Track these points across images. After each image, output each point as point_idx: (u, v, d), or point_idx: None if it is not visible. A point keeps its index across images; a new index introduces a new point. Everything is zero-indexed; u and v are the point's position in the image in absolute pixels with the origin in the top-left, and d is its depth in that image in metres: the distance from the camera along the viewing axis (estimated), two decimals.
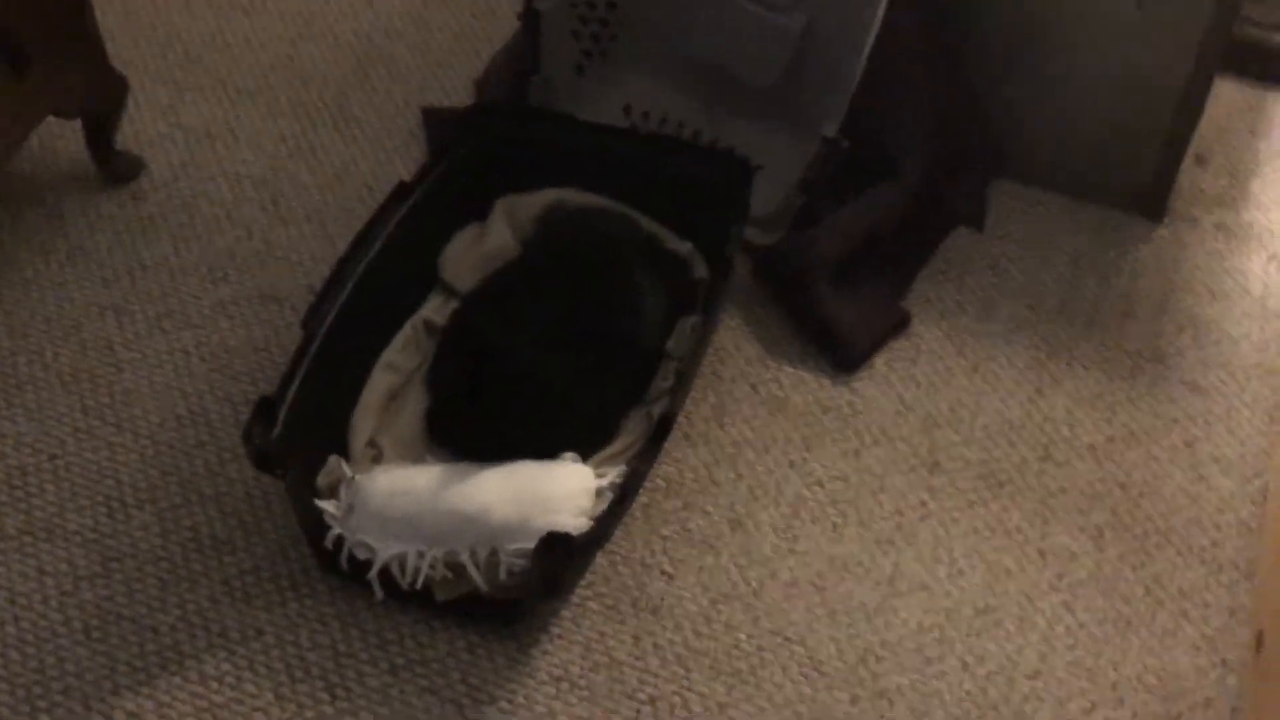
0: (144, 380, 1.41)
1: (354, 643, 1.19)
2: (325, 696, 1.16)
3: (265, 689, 1.16)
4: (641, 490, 1.27)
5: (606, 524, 1.11)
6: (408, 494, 1.18)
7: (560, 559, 1.11)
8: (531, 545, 1.14)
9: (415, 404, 1.36)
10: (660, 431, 1.20)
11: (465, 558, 1.15)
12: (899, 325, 1.49)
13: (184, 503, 1.30)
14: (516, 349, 1.29)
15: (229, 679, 1.16)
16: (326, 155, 1.68)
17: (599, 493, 1.21)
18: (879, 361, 1.46)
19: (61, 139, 1.66)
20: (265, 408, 1.18)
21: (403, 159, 1.67)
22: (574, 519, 1.17)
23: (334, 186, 1.64)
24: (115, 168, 1.63)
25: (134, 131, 1.69)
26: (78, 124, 1.59)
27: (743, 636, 1.21)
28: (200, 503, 1.30)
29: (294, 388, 1.21)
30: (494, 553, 1.15)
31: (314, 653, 1.18)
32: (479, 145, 1.48)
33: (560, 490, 1.18)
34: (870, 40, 1.43)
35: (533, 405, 1.25)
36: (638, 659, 1.19)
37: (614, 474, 1.23)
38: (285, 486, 1.18)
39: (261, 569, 1.24)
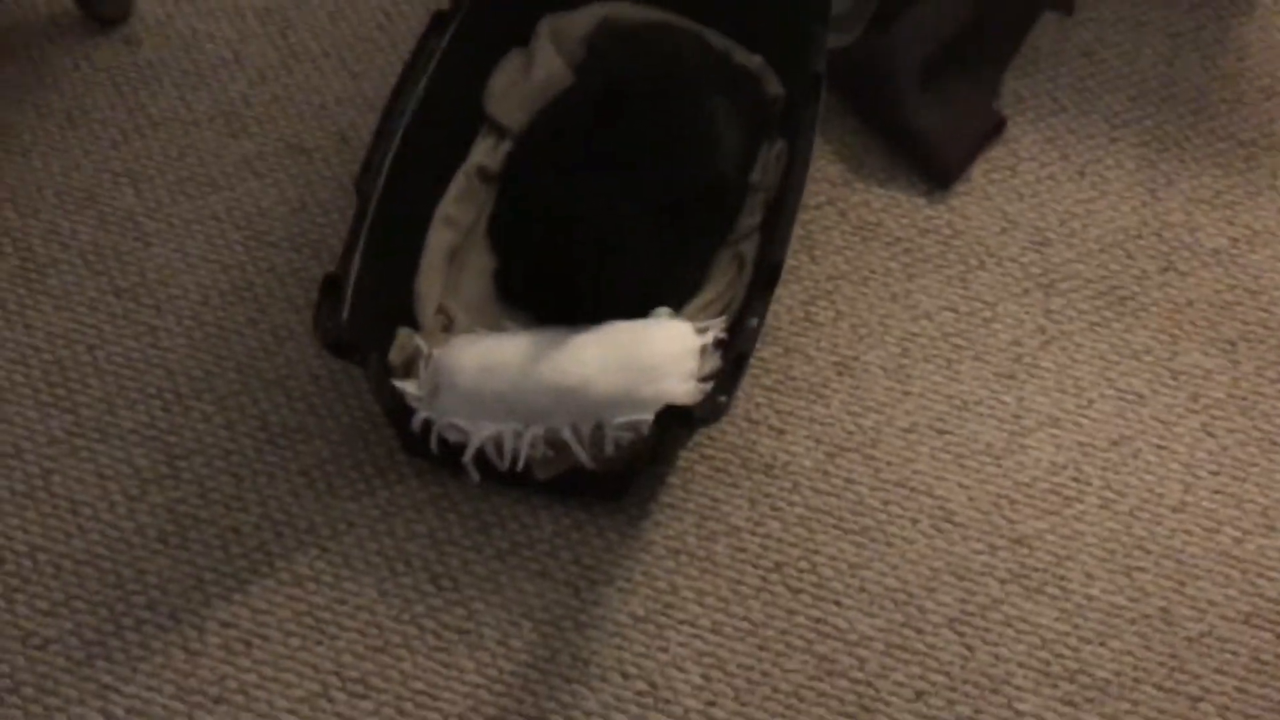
0: (175, 253, 1.28)
1: (453, 529, 1.11)
2: (431, 588, 1.08)
3: (366, 585, 1.08)
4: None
5: (729, 395, 1.01)
6: (497, 369, 1.08)
7: (680, 433, 1.02)
8: (638, 417, 1.04)
9: (479, 262, 1.24)
10: (768, 280, 1.09)
11: (568, 434, 1.06)
12: (994, 131, 1.35)
13: (244, 389, 1.19)
14: (585, 201, 1.15)
15: (326, 577, 1.08)
16: None
17: (703, 350, 1.10)
18: (976, 174, 1.34)
19: None
20: (332, 287, 1.06)
21: None
22: (681, 384, 1.07)
23: (346, 13, 1.47)
24: (101, 9, 1.45)
25: None
26: None
27: (865, 490, 1.13)
28: (263, 388, 1.19)
29: (356, 260, 1.09)
30: (599, 427, 1.06)
31: (412, 543, 1.10)
32: None
33: (663, 354, 1.08)
34: None
35: (612, 262, 1.13)
36: (757, 524, 1.11)
37: (715, 328, 1.12)
38: (365, 374, 1.07)
39: (341, 456, 1.15)
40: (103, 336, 1.23)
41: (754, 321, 1.07)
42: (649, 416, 1.04)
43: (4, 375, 1.20)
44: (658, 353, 1.08)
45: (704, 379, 1.09)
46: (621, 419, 1.05)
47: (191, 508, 1.12)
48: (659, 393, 1.06)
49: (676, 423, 1.01)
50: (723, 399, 1.02)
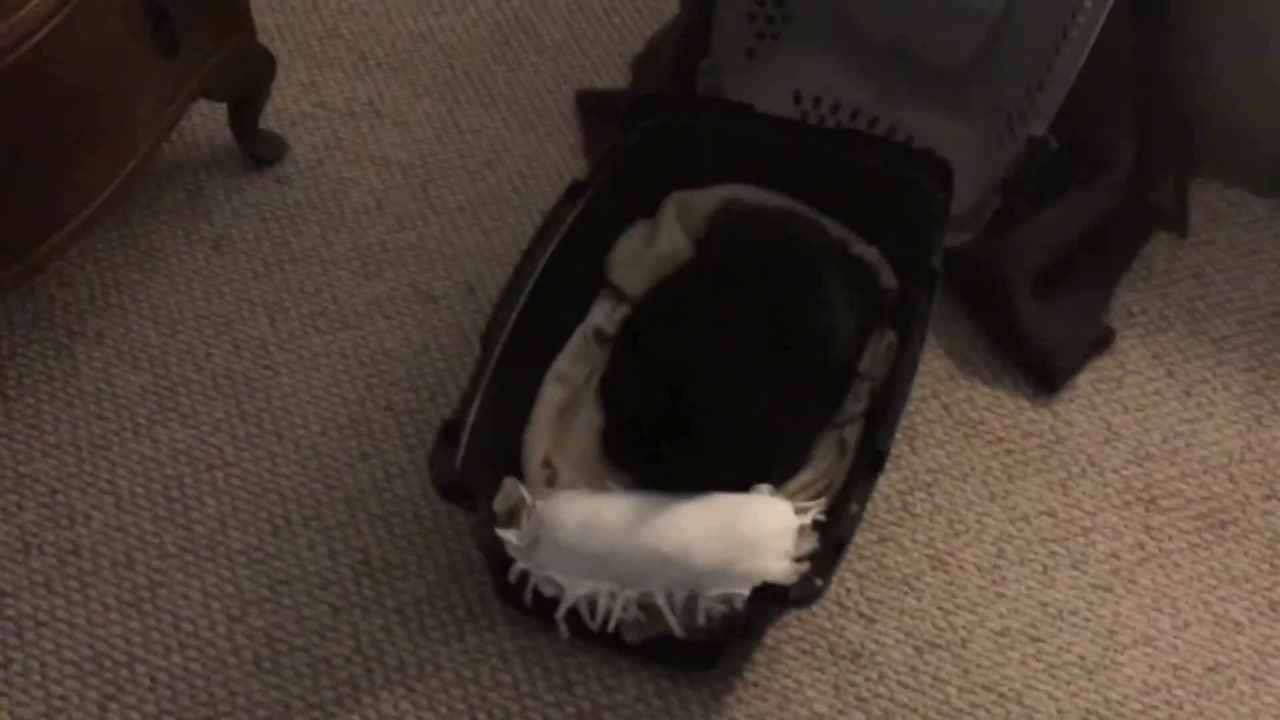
0: (301, 384, 1.34)
1: (537, 683, 1.12)
2: None
3: None
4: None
5: (825, 579, 1.02)
6: (598, 528, 1.10)
7: (772, 610, 1.03)
8: (734, 590, 1.06)
9: (587, 419, 1.27)
10: (872, 467, 1.11)
11: (661, 600, 1.07)
12: (1103, 341, 1.38)
13: (350, 521, 1.23)
14: (702, 366, 1.19)
15: (409, 718, 1.10)
16: (475, 138, 1.59)
17: (800, 531, 1.12)
18: (1082, 381, 1.35)
19: (201, 118, 1.59)
20: (450, 432, 1.11)
21: (555, 144, 1.58)
22: (778, 562, 1.08)
23: (484, 174, 1.55)
24: (259, 150, 1.55)
25: (274, 110, 1.61)
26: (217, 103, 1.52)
27: (953, 691, 1.13)
28: (369, 522, 1.23)
29: (474, 409, 1.14)
30: (693, 596, 1.07)
31: (495, 692, 1.11)
32: (648, 138, 1.38)
33: (763, 529, 1.09)
34: (1093, 33, 1.30)
35: (724, 430, 1.16)
36: (840, 712, 1.11)
37: (814, 510, 1.14)
38: (471, 519, 1.10)
39: (436, 597, 1.17)
40: (224, 457, 1.28)
41: (855, 508, 1.09)
42: (744, 591, 1.05)
43: (126, 485, 1.26)
44: (758, 528, 1.10)
45: (799, 559, 1.10)
46: (717, 591, 1.06)
47: (287, 634, 1.15)
48: (756, 568, 1.07)
49: (772, 601, 1.02)
50: (819, 582, 1.03)
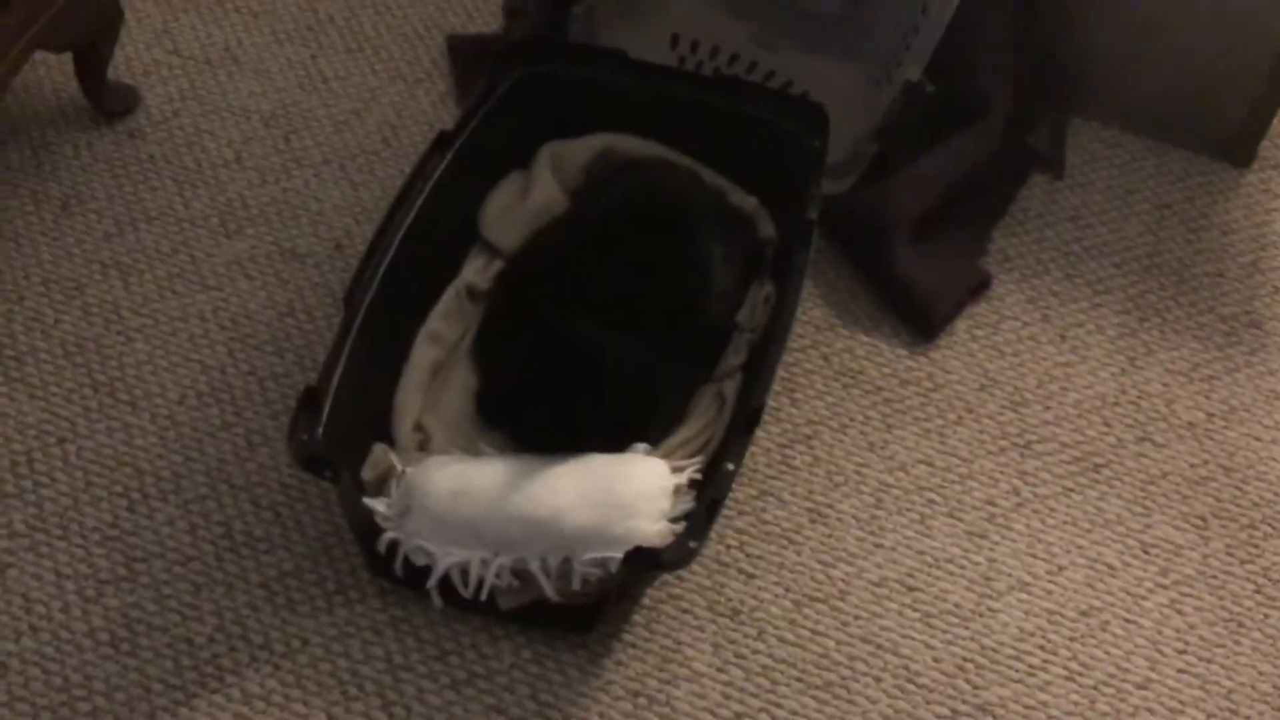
0: (158, 350, 1.28)
1: (411, 654, 1.09)
2: (381, 716, 1.05)
3: (316, 708, 1.06)
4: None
5: (699, 540, 1.00)
6: (469, 494, 1.07)
7: (646, 574, 1.01)
8: (608, 554, 1.03)
9: (462, 380, 1.24)
10: (747, 424, 1.09)
11: (535, 566, 1.05)
12: (980, 287, 1.37)
13: (212, 494, 1.18)
14: (576, 325, 1.16)
15: (276, 697, 1.06)
16: (341, 86, 1.52)
17: (676, 490, 1.10)
18: (959, 328, 1.35)
19: (46, 69, 1.50)
20: (310, 400, 1.06)
21: (426, 92, 1.52)
22: (653, 524, 1.06)
23: (352, 123, 1.49)
24: (108, 102, 1.47)
25: (125, 59, 1.52)
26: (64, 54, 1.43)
27: (831, 644, 1.12)
28: (230, 494, 1.18)
29: (337, 375, 1.09)
30: (567, 561, 1.05)
31: (367, 666, 1.08)
32: (520, 86, 1.34)
33: (637, 492, 1.07)
34: None
35: (597, 390, 1.13)
36: (719, 670, 1.10)
37: (691, 469, 1.12)
38: (337, 491, 1.06)
39: (304, 570, 1.13)
40: (75, 430, 1.22)
41: (730, 466, 1.07)
42: (618, 555, 1.03)
43: None
44: (632, 490, 1.07)
45: (675, 519, 1.08)
46: (590, 555, 1.04)
47: (146, 614, 1.10)
48: (630, 531, 1.05)
49: (644, 565, 1.00)
50: (693, 544, 1.02)
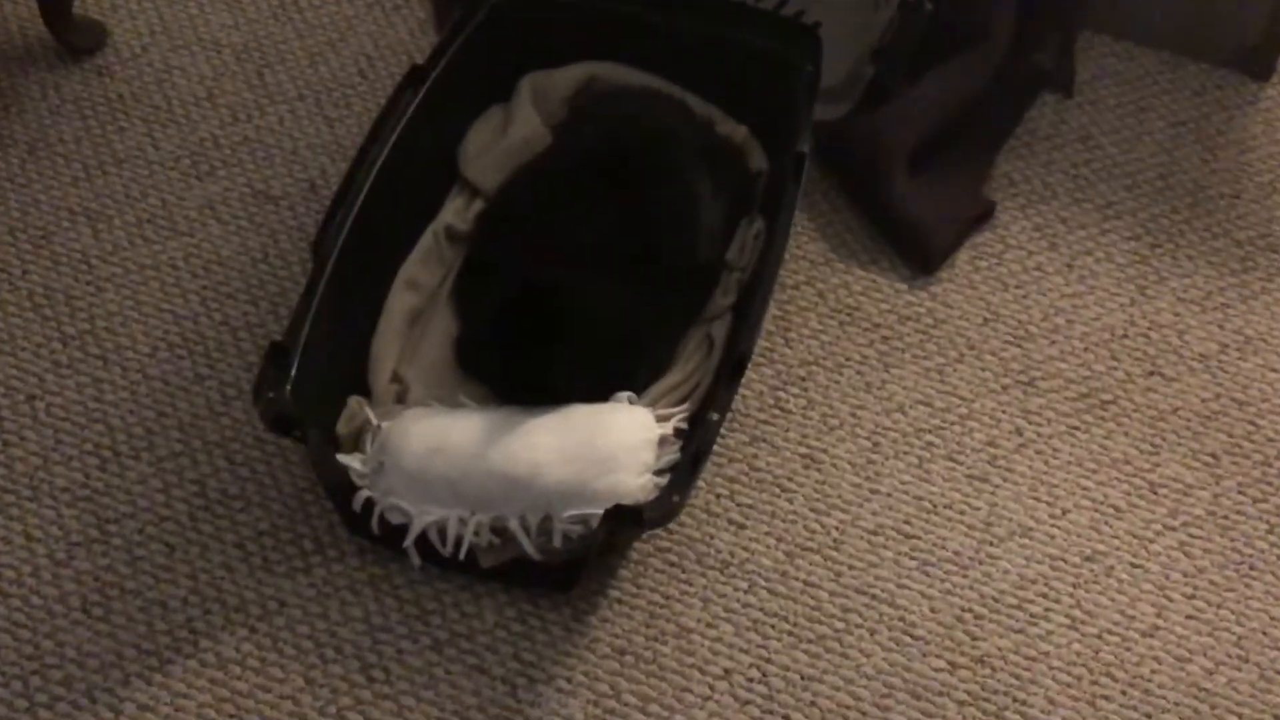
0: (128, 300, 1.24)
1: (390, 614, 1.06)
2: (361, 679, 1.03)
3: (293, 672, 1.03)
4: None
5: (683, 495, 0.96)
6: (445, 451, 1.03)
7: (628, 531, 0.97)
8: (590, 510, 1.00)
9: (441, 326, 1.19)
10: (733, 372, 1.04)
11: (514, 524, 1.01)
12: (983, 216, 1.31)
13: (185, 450, 1.14)
14: (553, 271, 1.11)
15: (252, 661, 1.03)
16: (316, 16, 1.46)
17: (661, 441, 1.05)
18: (961, 259, 1.29)
19: (11, 6, 1.44)
20: (277, 356, 1.02)
21: (404, 20, 1.46)
22: (636, 478, 1.02)
23: (327, 56, 1.43)
24: (75, 38, 1.41)
25: None
26: None
27: (824, 595, 1.08)
28: (204, 450, 1.14)
29: (306, 328, 1.05)
30: (547, 518, 1.01)
31: (345, 628, 1.05)
32: (496, 14, 1.27)
33: (618, 444, 1.03)
34: None
35: (579, 338, 1.08)
36: (709, 626, 1.07)
37: (676, 417, 1.07)
38: (306, 451, 1.02)
39: (280, 529, 1.10)
40: (44, 386, 1.18)
41: (714, 416, 1.03)
42: (599, 511, 0.99)
43: None
44: (613, 443, 1.03)
45: (660, 472, 1.04)
46: (571, 512, 1.00)
47: (118, 576, 1.07)
48: (612, 486, 1.01)
49: (626, 522, 0.97)
50: (676, 499, 0.98)
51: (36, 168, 1.33)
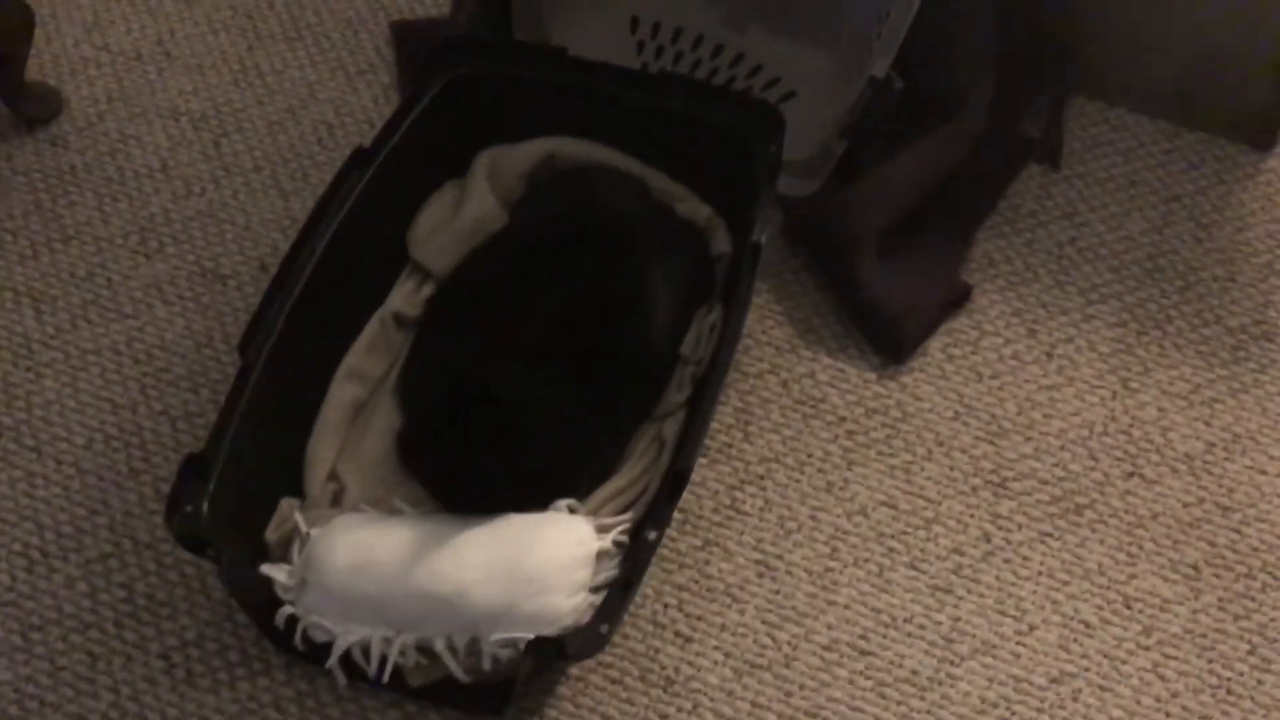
0: (67, 388, 1.20)
1: None
2: None
3: None
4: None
5: (611, 624, 0.91)
6: (370, 569, 0.98)
7: (551, 663, 0.92)
8: (518, 634, 0.95)
9: (384, 420, 1.14)
10: (673, 488, 0.99)
11: (440, 645, 0.96)
12: (958, 300, 1.25)
13: (115, 551, 1.10)
14: (493, 369, 1.06)
15: None
16: (279, 81, 1.42)
17: (600, 555, 1.00)
18: (934, 346, 1.23)
19: None
20: (195, 468, 0.98)
21: (368, 85, 1.41)
22: (568, 598, 0.97)
23: (287, 124, 1.39)
24: (27, 108, 1.38)
25: (52, 55, 1.43)
26: None
27: (772, 718, 1.03)
28: (134, 551, 1.10)
29: (229, 435, 1.01)
30: (475, 639, 0.96)
31: None
32: (450, 89, 1.22)
33: (552, 562, 0.98)
34: None
35: (515, 444, 1.03)
36: None
37: (618, 529, 1.02)
38: (219, 571, 0.98)
39: (206, 639, 1.06)
40: None
41: (652, 534, 0.97)
42: (529, 635, 0.94)
43: None
44: (546, 560, 0.98)
45: (598, 589, 0.99)
46: (499, 635, 0.95)
47: (39, 688, 1.04)
48: (542, 608, 0.96)
49: (548, 655, 0.92)
50: (604, 629, 0.93)
51: None
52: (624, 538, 1.02)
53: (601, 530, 1.02)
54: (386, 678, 0.97)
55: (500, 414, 1.04)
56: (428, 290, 1.21)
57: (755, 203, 1.14)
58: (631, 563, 0.96)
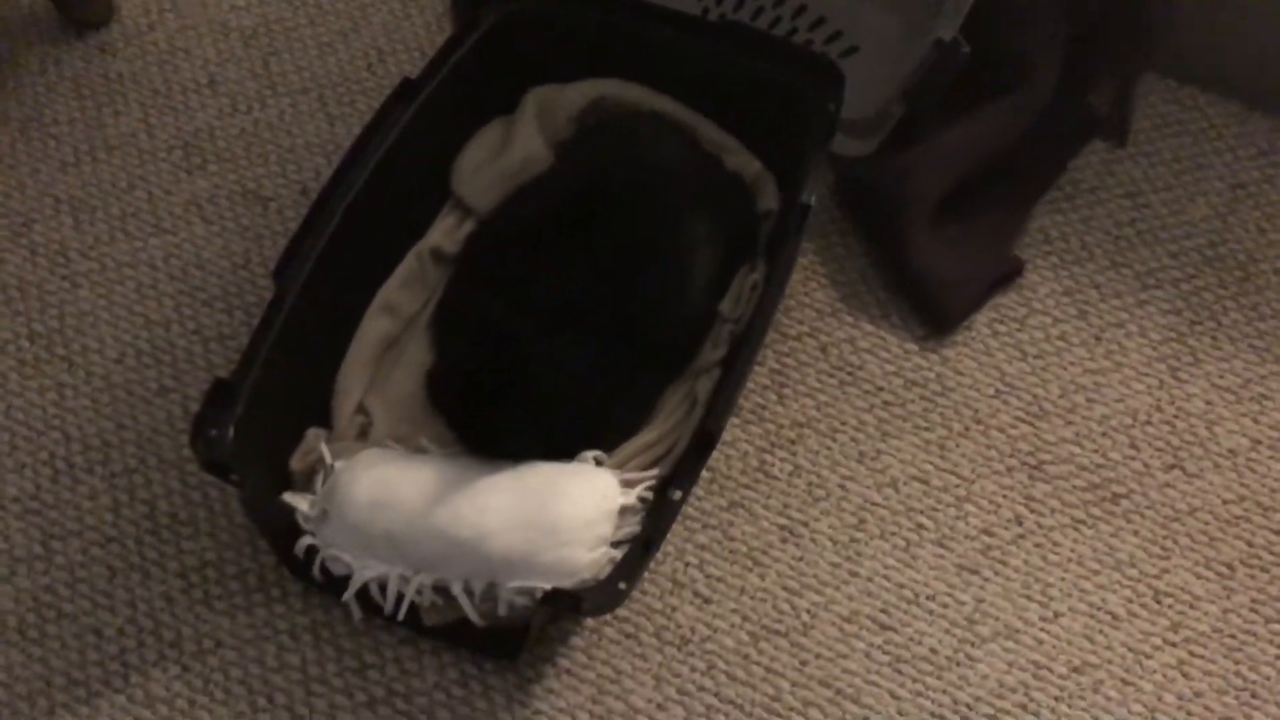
0: (102, 300, 1.20)
1: (327, 665, 1.01)
2: None
3: (221, 718, 0.99)
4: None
5: (630, 583, 0.90)
6: (391, 506, 0.97)
7: (566, 616, 0.91)
8: (536, 584, 0.94)
9: (416, 356, 1.13)
10: (700, 449, 0.97)
11: (457, 589, 0.96)
12: (1009, 275, 1.22)
13: (140, 467, 1.10)
14: (533, 312, 1.04)
15: (180, 702, 1.00)
16: (330, 2, 1.39)
17: (623, 511, 0.99)
18: (979, 321, 1.20)
19: None
20: (221, 395, 0.97)
21: (420, 12, 1.39)
22: (589, 552, 0.96)
23: (337, 46, 1.37)
24: (81, 12, 1.36)
25: None
26: None
27: (786, 685, 1.02)
28: (160, 469, 1.10)
29: (258, 364, 0.99)
30: (492, 585, 0.96)
31: (280, 675, 1.01)
32: (506, 24, 1.20)
33: (575, 515, 0.97)
34: None
35: (539, 398, 1.01)
36: (659, 707, 1.01)
37: (644, 484, 1.01)
38: (240, 497, 0.98)
39: (225, 561, 1.06)
40: (6, 385, 1.14)
41: (676, 494, 0.96)
42: (547, 585, 0.94)
43: None
44: (568, 513, 0.97)
45: (619, 543, 0.98)
46: (517, 583, 0.94)
47: (58, 598, 1.04)
48: (561, 559, 0.95)
49: (563, 608, 0.91)
50: (623, 586, 0.92)
51: (27, 149, 1.29)
52: (649, 494, 1.01)
53: (627, 485, 1.01)
54: (402, 615, 0.97)
55: (528, 366, 1.03)
56: (468, 227, 1.20)
57: (807, 161, 1.11)
58: (654, 522, 0.95)
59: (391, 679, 1.01)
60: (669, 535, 1.02)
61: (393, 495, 0.98)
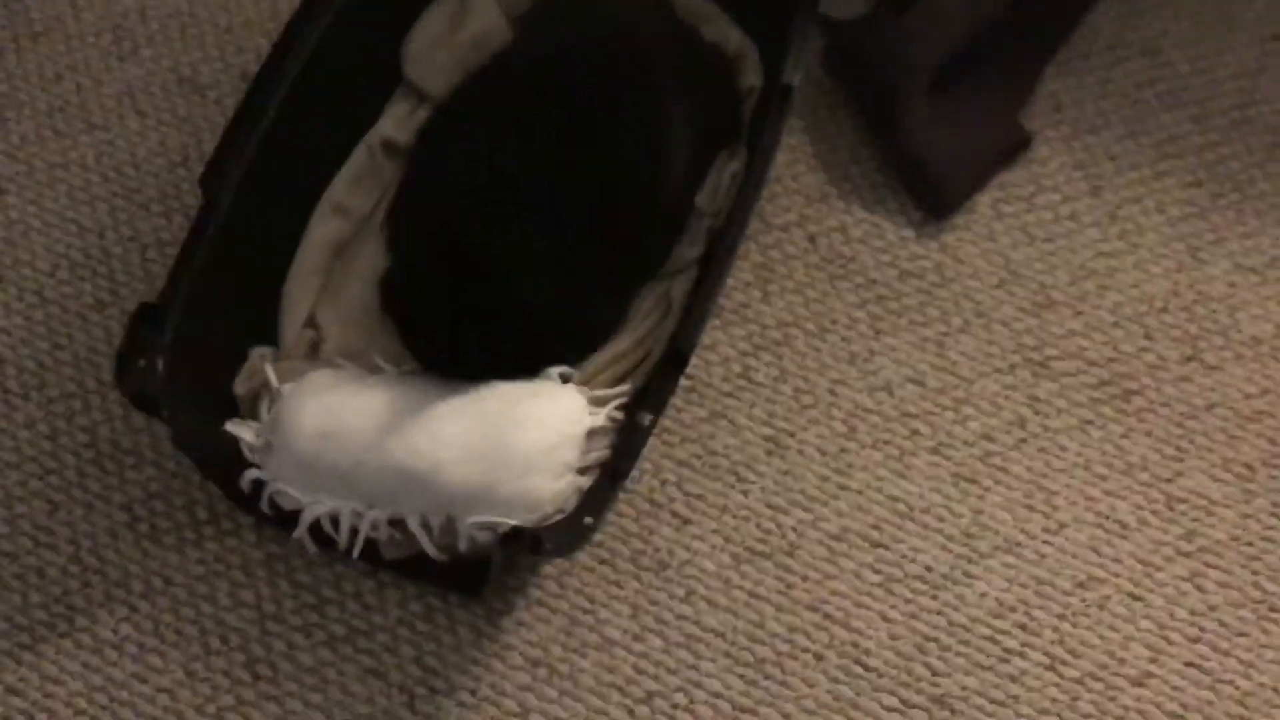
0: (32, 208, 1.11)
1: (284, 602, 0.96)
2: (245, 676, 0.93)
3: (173, 662, 0.94)
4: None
5: (595, 518, 0.83)
6: (339, 436, 0.90)
7: (526, 554, 0.85)
8: (496, 518, 0.87)
9: (370, 261, 1.04)
10: (672, 368, 0.89)
11: (414, 525, 0.89)
12: (1015, 149, 1.11)
13: (78, 391, 1.03)
14: (493, 208, 0.95)
15: (130, 646, 0.94)
16: None
17: (592, 433, 0.92)
18: (982, 202, 1.10)
19: None
20: (147, 320, 0.89)
21: None
22: (554, 481, 0.89)
23: None
24: None
25: None
26: None
27: (770, 611, 0.96)
28: (98, 392, 1.03)
29: (186, 283, 0.91)
30: (451, 520, 0.89)
31: (234, 614, 0.95)
32: None
33: (537, 442, 0.89)
34: None
35: (507, 301, 0.93)
36: (636, 639, 0.95)
37: (614, 402, 0.93)
38: (169, 434, 0.90)
39: (172, 492, 0.99)
40: None
41: (647, 419, 0.88)
42: (509, 520, 0.87)
43: None
44: (530, 440, 0.89)
45: (585, 470, 0.91)
46: (476, 518, 0.88)
47: None
48: (524, 492, 0.88)
49: (523, 549, 0.84)
50: (588, 521, 0.85)
51: None
52: (619, 414, 0.93)
53: (596, 403, 0.93)
54: (358, 551, 0.90)
55: (488, 269, 0.94)
56: (422, 115, 1.09)
57: (792, 31, 1.00)
58: (622, 449, 0.88)
59: (352, 615, 0.95)
60: (642, 455, 0.95)
61: (341, 425, 0.91)
